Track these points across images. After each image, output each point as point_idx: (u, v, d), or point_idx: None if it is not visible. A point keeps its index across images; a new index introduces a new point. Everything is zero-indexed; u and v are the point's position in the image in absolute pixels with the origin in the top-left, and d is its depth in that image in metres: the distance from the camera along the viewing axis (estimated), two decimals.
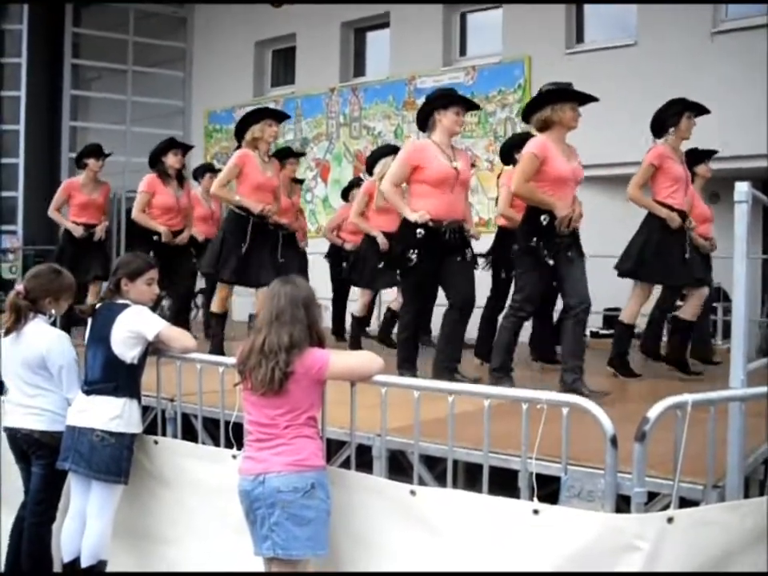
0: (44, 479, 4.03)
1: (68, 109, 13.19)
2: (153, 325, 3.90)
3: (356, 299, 7.99)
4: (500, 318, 5.64)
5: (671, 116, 5.80)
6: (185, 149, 7.31)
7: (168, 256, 6.72)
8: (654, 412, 2.80)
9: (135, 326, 3.86)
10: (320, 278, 7.45)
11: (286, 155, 7.98)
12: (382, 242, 6.96)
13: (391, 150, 7.32)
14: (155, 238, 6.94)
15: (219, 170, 9.00)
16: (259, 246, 6.08)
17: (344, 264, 7.97)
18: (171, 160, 7.03)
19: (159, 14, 13.79)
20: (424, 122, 5.37)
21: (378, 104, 11.66)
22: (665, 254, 5.72)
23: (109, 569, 3.91)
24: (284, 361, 3.12)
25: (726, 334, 8.34)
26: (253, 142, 6.11)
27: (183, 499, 3.93)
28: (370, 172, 7.57)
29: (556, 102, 4.96)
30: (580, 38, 10.37)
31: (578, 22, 10.39)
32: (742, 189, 3.02)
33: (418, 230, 5.09)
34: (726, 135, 8.26)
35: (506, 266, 6.37)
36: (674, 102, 5.85)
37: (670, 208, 5.72)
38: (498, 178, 6.97)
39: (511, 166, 6.65)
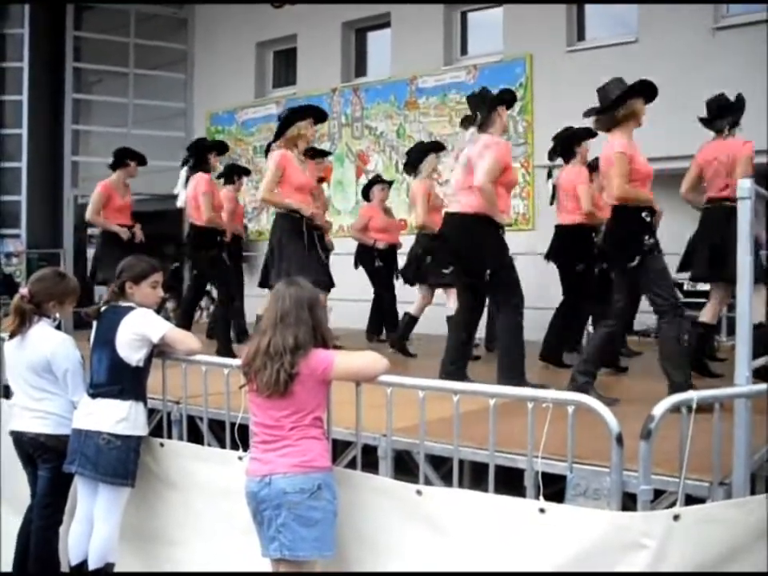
0: (50, 482, 4.04)
1: (70, 112, 13.18)
2: (158, 327, 3.90)
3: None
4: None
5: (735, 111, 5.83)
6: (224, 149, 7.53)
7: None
8: (659, 410, 2.80)
9: (140, 328, 3.87)
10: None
11: (312, 155, 7.67)
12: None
13: (433, 147, 7.37)
14: (218, 238, 7.02)
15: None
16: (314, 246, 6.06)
17: (376, 263, 7.91)
18: (213, 161, 7.22)
19: (160, 16, 13.77)
20: (487, 117, 5.26)
21: (380, 104, 11.64)
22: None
23: (116, 571, 3.92)
24: (289, 362, 3.12)
25: (730, 331, 8.32)
26: (293, 139, 5.97)
27: (189, 501, 3.94)
28: (410, 171, 7.50)
29: (639, 96, 4.86)
30: (581, 36, 10.34)
31: (578, 20, 10.36)
32: (744, 185, 3.02)
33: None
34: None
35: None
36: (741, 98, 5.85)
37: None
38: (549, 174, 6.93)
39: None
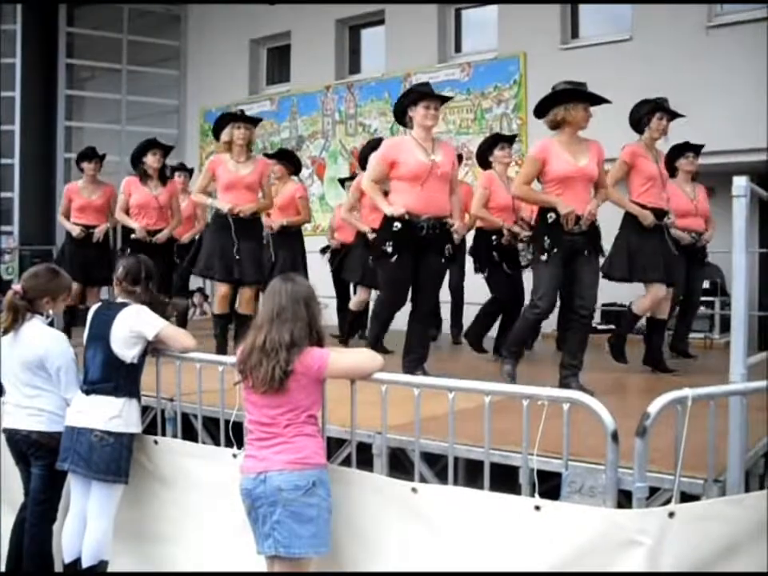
0: (44, 480, 4.03)
1: (63, 109, 13.16)
2: (152, 324, 3.90)
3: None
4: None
5: (643, 115, 5.86)
6: (164, 149, 7.41)
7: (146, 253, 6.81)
8: (654, 407, 2.80)
9: (135, 325, 3.86)
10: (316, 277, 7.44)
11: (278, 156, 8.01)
12: (372, 235, 7.01)
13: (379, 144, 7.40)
14: (132, 236, 7.19)
15: (191, 169, 9.11)
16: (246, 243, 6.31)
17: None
18: (150, 160, 7.22)
19: (153, 12, 13.74)
20: (401, 119, 5.45)
21: (374, 101, 11.64)
22: (645, 252, 5.75)
23: (110, 569, 3.91)
24: (284, 359, 3.12)
25: (724, 328, 8.35)
26: (226, 145, 6.40)
27: (184, 498, 3.93)
28: (363, 167, 7.56)
29: (569, 101, 4.95)
30: (575, 34, 10.35)
31: (572, 18, 10.37)
32: (740, 183, 3.02)
33: (395, 224, 5.16)
34: (721, 129, 8.28)
35: (483, 268, 6.77)
36: (646, 101, 5.90)
37: (643, 206, 5.76)
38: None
39: (489, 170, 6.86)
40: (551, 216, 4.96)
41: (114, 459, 3.83)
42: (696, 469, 3.01)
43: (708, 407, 2.94)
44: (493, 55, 10.65)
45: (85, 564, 3.83)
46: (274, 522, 3.11)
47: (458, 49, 11.36)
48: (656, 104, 5.85)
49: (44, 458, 4.02)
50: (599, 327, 8.34)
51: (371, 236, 6.91)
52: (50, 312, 4.18)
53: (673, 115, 5.89)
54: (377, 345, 5.72)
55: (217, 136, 6.49)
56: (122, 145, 12.56)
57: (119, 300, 3.99)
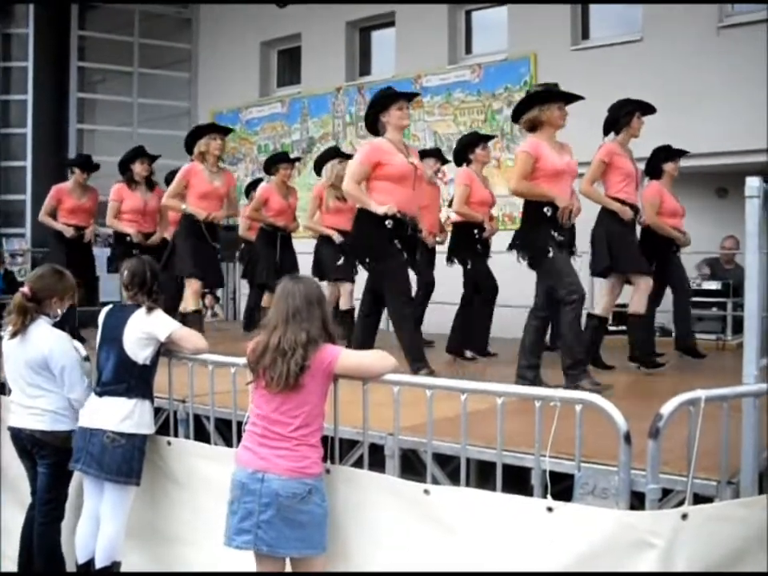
0: (49, 479, 4.07)
1: (75, 111, 13.21)
2: (165, 325, 3.91)
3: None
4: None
5: (624, 115, 5.97)
6: (151, 158, 7.69)
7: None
8: (667, 408, 2.80)
9: (147, 326, 3.87)
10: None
11: (278, 160, 8.11)
12: (338, 238, 7.31)
13: (336, 153, 7.67)
14: (128, 239, 7.42)
15: None
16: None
17: None
18: (138, 168, 7.54)
19: (164, 16, 13.80)
20: (374, 127, 5.53)
21: None
22: (628, 244, 5.93)
23: (122, 569, 3.92)
24: (301, 356, 3.14)
25: (736, 330, 8.31)
26: (200, 155, 6.71)
27: (196, 500, 3.94)
28: (318, 173, 7.83)
29: (543, 102, 5.12)
30: (585, 35, 10.32)
31: (583, 19, 10.34)
32: (753, 184, 3.01)
33: (387, 222, 5.26)
34: (733, 129, 8.25)
35: (465, 260, 6.84)
36: (626, 101, 6.02)
37: (622, 202, 5.89)
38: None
39: (465, 166, 6.96)
40: (548, 209, 5.05)
41: (126, 460, 3.85)
42: (709, 470, 3.00)
43: (721, 408, 2.93)
44: (503, 56, 10.64)
45: (98, 565, 3.85)
46: (261, 520, 3.12)
47: (468, 50, 11.35)
48: (638, 104, 5.99)
49: (49, 457, 4.05)
50: (611, 329, 8.31)
51: (337, 239, 7.30)
52: (58, 312, 4.20)
53: (648, 111, 6.04)
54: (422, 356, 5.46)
55: (189, 147, 6.77)
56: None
57: (130, 302, 4.00)
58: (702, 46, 9.01)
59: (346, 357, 3.28)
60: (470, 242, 6.85)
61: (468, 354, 6.75)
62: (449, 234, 7.24)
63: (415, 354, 5.33)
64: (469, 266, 6.84)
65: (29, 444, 4.10)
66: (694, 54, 8.99)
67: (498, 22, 10.91)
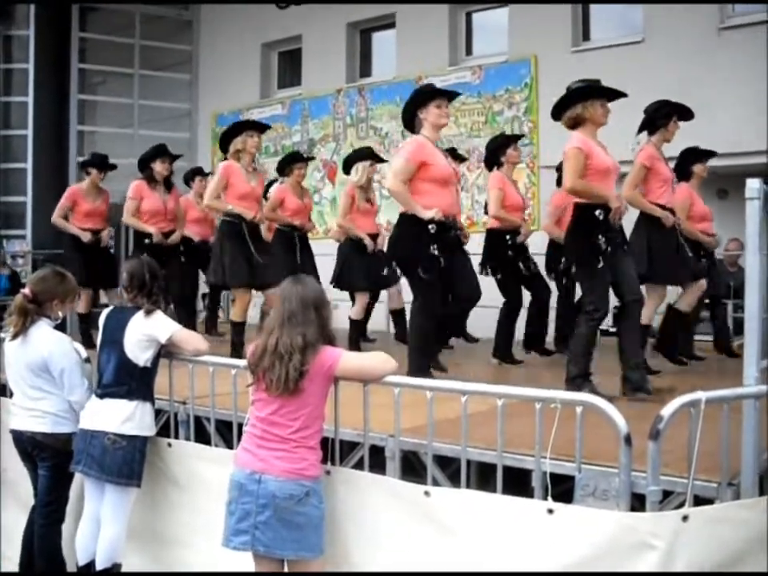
0: (50, 481, 4.06)
1: (75, 113, 13.24)
2: (166, 327, 3.91)
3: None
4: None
5: (661, 117, 5.86)
6: (172, 158, 7.52)
7: (160, 258, 6.88)
8: (667, 410, 2.80)
9: (148, 328, 3.87)
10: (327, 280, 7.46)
11: (293, 160, 7.94)
12: (370, 243, 7.18)
13: (369, 155, 7.46)
14: (147, 240, 7.21)
15: (209, 174, 9.16)
16: (262, 248, 6.45)
17: None
18: (159, 167, 7.30)
19: (165, 17, 13.82)
20: (411, 123, 5.37)
21: (385, 104, 11.65)
22: (670, 252, 5.79)
23: (123, 570, 3.92)
24: (299, 360, 3.13)
25: (737, 331, 8.30)
26: (236, 153, 6.40)
27: (197, 502, 3.94)
28: (347, 172, 7.65)
29: (586, 99, 4.93)
30: (586, 36, 10.34)
31: (584, 20, 10.36)
32: (753, 185, 3.01)
33: (431, 226, 5.08)
34: (734, 130, 8.25)
35: (501, 268, 6.66)
36: (665, 103, 5.90)
37: (662, 207, 5.78)
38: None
39: (496, 169, 6.82)
40: (600, 213, 4.87)
41: (127, 462, 3.85)
42: (710, 472, 3.00)
43: (721, 410, 2.93)
44: (504, 58, 10.66)
45: (99, 566, 3.84)
46: (259, 521, 3.13)
47: (468, 52, 11.37)
48: (676, 107, 5.87)
49: (49, 459, 4.05)
50: (611, 330, 8.30)
51: (368, 242, 7.14)
52: (59, 314, 4.20)
53: (686, 117, 5.93)
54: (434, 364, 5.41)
55: (225, 145, 6.49)
56: (134, 149, 12.58)
57: (130, 304, 4.00)
58: (703, 47, 9.03)
59: (347, 360, 3.27)
60: (503, 249, 6.70)
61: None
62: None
63: (413, 374, 5.08)
64: (499, 277, 6.70)
65: (29, 446, 4.10)
66: (695, 55, 9.00)
67: (498, 23, 10.93)
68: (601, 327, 5.21)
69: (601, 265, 4.82)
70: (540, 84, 10.22)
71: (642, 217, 5.88)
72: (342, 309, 8.02)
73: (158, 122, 13.42)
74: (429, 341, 5.32)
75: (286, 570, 3.27)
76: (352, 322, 7.33)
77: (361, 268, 7.17)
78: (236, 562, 3.46)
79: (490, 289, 6.44)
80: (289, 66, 13.17)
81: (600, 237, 4.83)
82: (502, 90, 10.63)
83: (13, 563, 4.26)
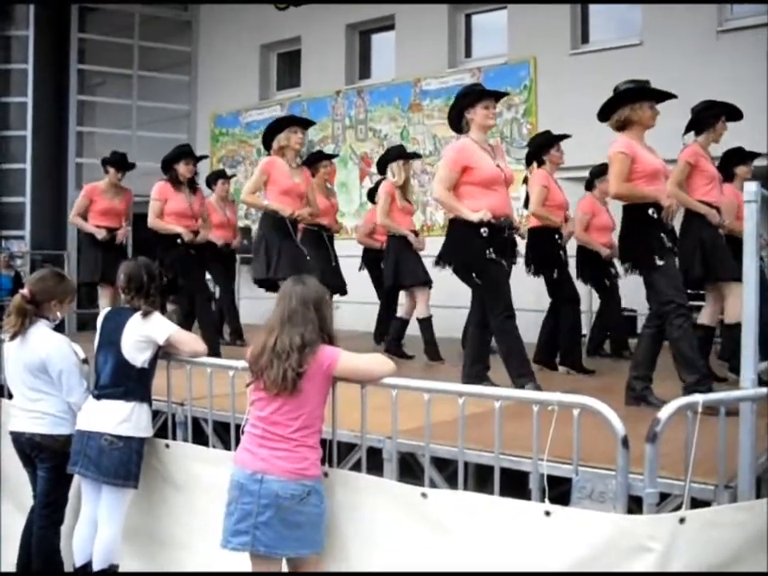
0: (49, 482, 4.06)
1: (74, 114, 13.24)
2: (163, 329, 3.91)
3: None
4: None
5: (709, 117, 5.80)
6: (196, 159, 7.33)
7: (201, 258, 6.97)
8: (665, 413, 2.80)
9: (145, 330, 3.87)
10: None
11: (318, 158, 7.85)
12: (414, 240, 7.11)
13: (399, 155, 7.34)
14: (179, 240, 6.90)
15: (231, 176, 9.07)
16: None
17: (382, 266, 7.64)
18: (183, 169, 7.03)
19: (164, 18, 13.83)
20: (458, 123, 5.30)
21: (384, 106, 11.66)
22: (722, 250, 5.63)
23: (120, 571, 3.92)
24: (296, 360, 3.14)
25: None
26: (280, 150, 6.21)
27: (194, 502, 3.94)
28: (381, 172, 7.55)
29: (635, 101, 4.86)
30: (585, 39, 10.35)
31: (583, 22, 10.36)
32: (750, 188, 3.03)
33: (483, 229, 5.01)
34: (732, 133, 8.24)
35: (545, 266, 6.48)
36: (713, 103, 5.85)
37: (708, 205, 5.67)
38: (525, 180, 7.06)
39: (536, 166, 6.71)
40: (653, 212, 4.79)
41: (124, 463, 3.84)
42: (707, 475, 3.00)
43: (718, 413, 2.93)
44: (503, 60, 10.66)
45: (95, 568, 3.84)
46: (259, 522, 3.13)
47: (467, 54, 11.37)
48: (725, 107, 5.84)
49: (48, 460, 4.04)
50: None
51: (413, 238, 7.09)
52: (58, 315, 4.20)
53: (735, 119, 5.91)
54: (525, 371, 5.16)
55: (268, 142, 6.30)
56: (133, 150, 12.60)
57: (127, 305, 4.00)
58: (702, 50, 9.03)
59: (346, 360, 3.28)
60: (550, 248, 6.52)
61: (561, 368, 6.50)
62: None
63: (517, 370, 5.05)
64: (555, 276, 6.48)
65: (28, 448, 4.09)
66: (694, 58, 9.00)
67: (497, 25, 10.93)
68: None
69: (663, 262, 4.70)
70: (539, 86, 10.23)
71: (688, 217, 5.76)
72: (344, 310, 8.03)
73: (156, 122, 13.42)
74: (513, 335, 5.13)
75: (284, 568, 3.27)
76: (421, 321, 7.13)
77: (418, 262, 7.06)
78: (233, 563, 3.47)
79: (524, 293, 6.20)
80: (288, 67, 13.17)
81: (661, 234, 4.75)
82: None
83: (11, 565, 4.25)
